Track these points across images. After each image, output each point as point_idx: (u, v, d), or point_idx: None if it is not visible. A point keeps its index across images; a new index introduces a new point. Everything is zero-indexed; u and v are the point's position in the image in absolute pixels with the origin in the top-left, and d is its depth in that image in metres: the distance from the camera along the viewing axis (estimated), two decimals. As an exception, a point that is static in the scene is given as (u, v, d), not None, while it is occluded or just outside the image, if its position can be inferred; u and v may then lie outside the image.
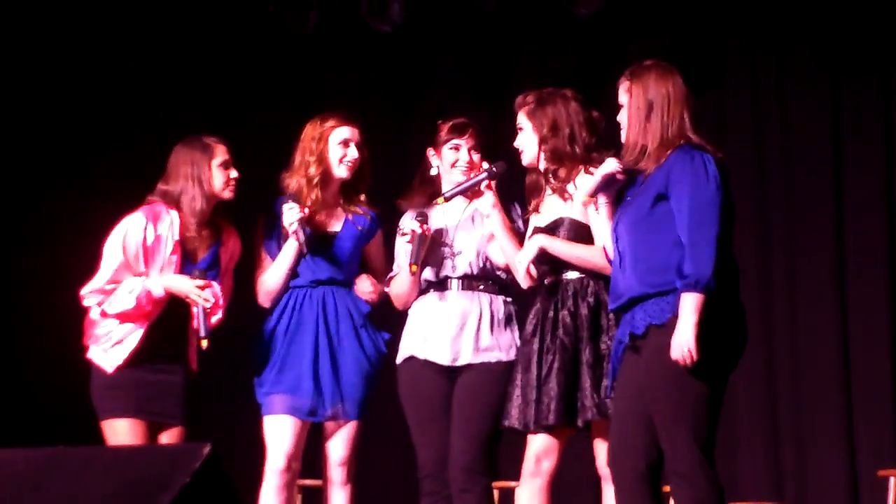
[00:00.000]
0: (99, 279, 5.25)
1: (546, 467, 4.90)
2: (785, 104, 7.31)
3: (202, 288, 5.17)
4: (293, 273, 5.26)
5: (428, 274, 5.16)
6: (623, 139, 4.55)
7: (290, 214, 5.16)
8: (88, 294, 5.25)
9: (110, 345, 5.21)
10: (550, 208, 4.96)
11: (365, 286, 5.32)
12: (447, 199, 5.04)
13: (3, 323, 7.59)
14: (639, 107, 4.47)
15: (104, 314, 5.23)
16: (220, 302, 5.24)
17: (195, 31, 7.87)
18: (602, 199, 4.66)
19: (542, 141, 4.94)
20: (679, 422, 4.30)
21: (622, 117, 4.55)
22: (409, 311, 5.23)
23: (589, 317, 4.79)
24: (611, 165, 4.60)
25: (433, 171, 5.22)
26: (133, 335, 5.21)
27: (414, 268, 5.05)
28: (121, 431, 5.18)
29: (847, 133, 7.18)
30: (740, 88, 7.37)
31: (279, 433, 5.18)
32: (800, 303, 7.16)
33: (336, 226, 5.32)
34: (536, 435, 4.87)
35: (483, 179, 5.03)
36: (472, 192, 5.05)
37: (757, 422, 7.14)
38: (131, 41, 7.85)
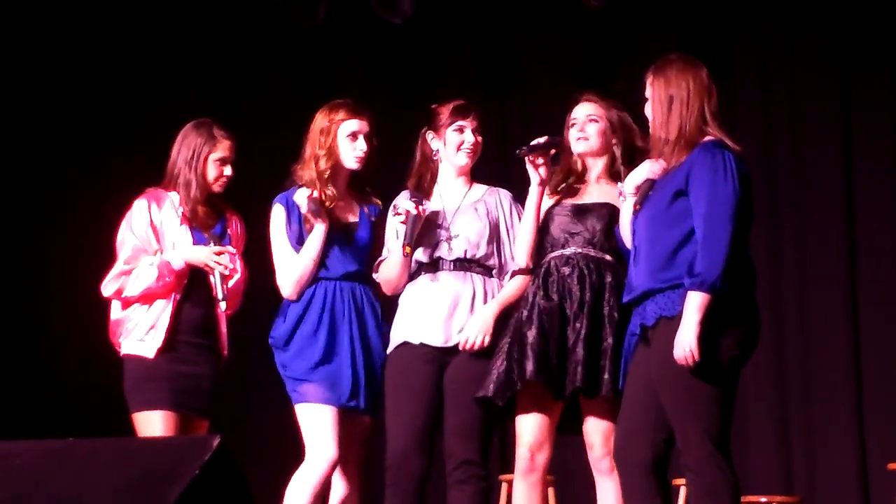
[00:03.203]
0: (115, 268, 5.28)
1: (540, 462, 4.87)
2: (795, 97, 7.30)
3: (219, 254, 5.20)
4: (320, 263, 5.15)
5: (420, 255, 5.08)
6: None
7: (300, 197, 5.10)
8: (107, 283, 5.28)
9: (145, 332, 5.23)
10: (599, 193, 4.99)
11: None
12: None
13: (23, 317, 7.62)
14: (660, 100, 4.48)
15: (126, 302, 5.25)
16: (238, 266, 5.26)
17: (204, 23, 7.87)
18: (630, 192, 4.65)
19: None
20: (690, 415, 4.30)
21: (648, 111, 4.56)
22: (401, 298, 5.15)
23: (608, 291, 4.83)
24: (653, 168, 4.58)
25: (436, 157, 5.18)
26: (164, 315, 5.22)
27: (407, 249, 4.98)
28: (156, 423, 5.17)
29: (858, 126, 7.17)
30: (750, 81, 7.35)
31: (325, 422, 5.02)
32: (810, 297, 7.14)
33: (353, 217, 5.26)
34: (526, 426, 4.86)
35: (557, 142, 4.97)
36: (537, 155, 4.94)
37: (767, 416, 7.12)
38: (141, 36, 7.85)
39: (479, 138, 5.16)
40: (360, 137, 5.20)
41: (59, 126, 7.75)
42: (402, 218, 5.00)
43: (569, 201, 4.98)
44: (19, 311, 7.60)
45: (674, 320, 4.31)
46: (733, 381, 4.36)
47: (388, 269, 5.13)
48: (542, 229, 4.97)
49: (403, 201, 5.07)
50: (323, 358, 5.09)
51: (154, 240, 5.27)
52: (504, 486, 6.65)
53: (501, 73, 7.77)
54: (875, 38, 7.12)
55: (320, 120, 5.22)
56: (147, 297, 5.23)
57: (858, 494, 6.90)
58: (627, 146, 5.00)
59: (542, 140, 4.94)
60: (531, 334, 4.79)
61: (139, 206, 5.32)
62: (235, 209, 5.51)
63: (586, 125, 4.99)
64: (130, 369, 5.25)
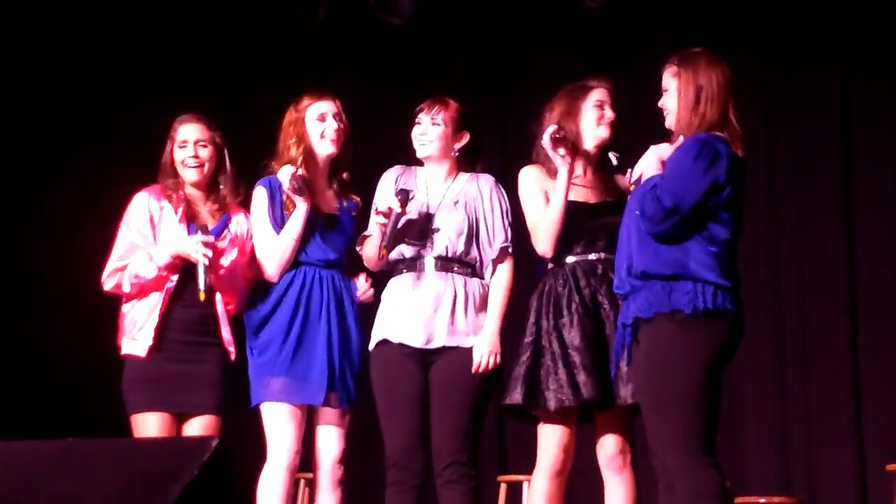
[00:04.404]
0: (111, 261, 5.29)
1: (569, 463, 4.85)
2: (795, 97, 7.30)
3: (205, 244, 5.14)
4: (300, 246, 5.13)
5: (404, 248, 5.04)
6: (668, 123, 4.53)
7: (284, 173, 5.10)
8: (105, 278, 5.29)
9: (137, 330, 5.22)
10: (604, 189, 5.00)
11: (362, 285, 5.23)
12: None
13: (23, 316, 7.62)
14: (686, 92, 4.45)
15: (126, 298, 5.26)
16: (224, 261, 5.22)
17: (204, 23, 7.88)
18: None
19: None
20: (667, 418, 4.27)
21: (665, 102, 4.53)
22: (383, 295, 5.11)
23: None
24: (659, 152, 4.56)
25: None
26: (153, 313, 5.20)
27: (384, 252, 4.96)
28: (151, 425, 5.16)
29: (857, 126, 7.17)
30: (750, 81, 7.35)
31: (287, 420, 5.04)
32: (809, 297, 7.15)
33: (333, 208, 5.24)
34: (558, 429, 4.82)
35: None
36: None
37: (766, 417, 7.12)
38: (142, 35, 7.86)
39: (439, 128, 5.08)
40: (329, 117, 5.19)
41: (58, 124, 7.77)
42: (383, 220, 4.97)
43: (577, 199, 4.94)
44: (19, 309, 7.62)
45: (649, 323, 4.31)
46: (714, 383, 4.30)
47: (371, 248, 5.11)
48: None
49: (390, 197, 5.01)
50: (294, 349, 5.05)
51: (151, 234, 5.27)
52: (503, 487, 6.65)
53: (501, 72, 7.78)
54: (875, 38, 7.12)
55: (289, 113, 5.25)
56: (141, 292, 5.23)
57: (857, 495, 6.90)
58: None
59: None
60: (580, 349, 4.76)
61: (139, 199, 5.33)
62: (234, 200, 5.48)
63: (606, 111, 4.98)
64: (127, 370, 5.26)
